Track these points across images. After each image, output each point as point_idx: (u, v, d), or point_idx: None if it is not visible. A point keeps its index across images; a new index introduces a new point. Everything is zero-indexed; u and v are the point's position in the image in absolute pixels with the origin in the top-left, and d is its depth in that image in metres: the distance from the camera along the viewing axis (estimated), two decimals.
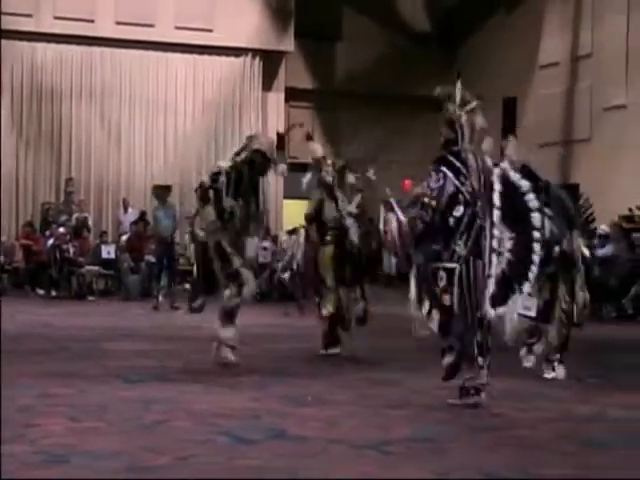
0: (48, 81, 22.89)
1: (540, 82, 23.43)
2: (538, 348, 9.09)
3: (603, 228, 17.78)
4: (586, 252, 9.16)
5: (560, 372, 8.84)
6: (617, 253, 17.65)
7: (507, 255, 7.12)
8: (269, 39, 24.06)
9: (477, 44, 25.15)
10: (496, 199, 7.10)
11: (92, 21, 22.69)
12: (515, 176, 7.31)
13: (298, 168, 11.84)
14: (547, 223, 8.00)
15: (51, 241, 20.19)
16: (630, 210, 18.96)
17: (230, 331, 9.01)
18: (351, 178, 10.90)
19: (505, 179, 7.23)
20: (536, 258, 7.13)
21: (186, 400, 7.13)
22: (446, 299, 7.02)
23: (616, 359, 11.03)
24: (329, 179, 10.62)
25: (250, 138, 9.43)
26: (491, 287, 7.08)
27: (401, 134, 24.66)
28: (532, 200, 7.20)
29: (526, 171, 8.43)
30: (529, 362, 9.25)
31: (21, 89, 22.66)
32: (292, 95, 24.80)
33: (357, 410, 6.93)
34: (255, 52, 24.16)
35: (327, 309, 10.34)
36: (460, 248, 7.01)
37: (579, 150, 22.24)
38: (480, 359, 7.07)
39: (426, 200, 7.02)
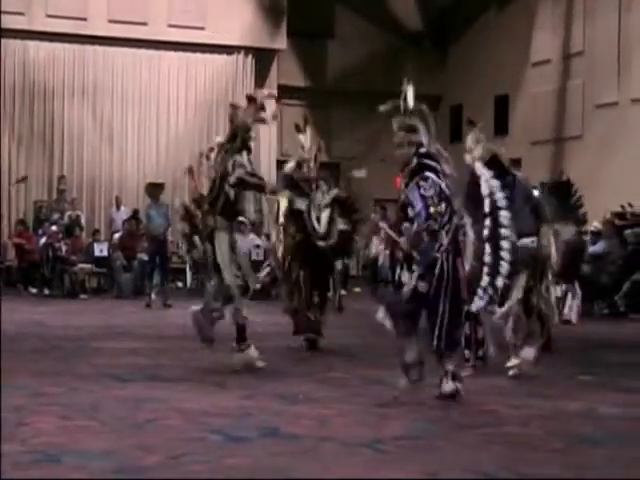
0: (40, 79, 22.85)
1: (532, 80, 23.46)
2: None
3: (595, 225, 17.80)
4: (553, 250, 8.98)
5: (527, 354, 8.65)
6: (609, 250, 17.66)
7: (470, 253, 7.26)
8: (261, 37, 24.06)
9: (469, 42, 25.17)
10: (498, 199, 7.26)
11: (84, 19, 22.66)
12: (485, 174, 7.41)
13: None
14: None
15: (43, 239, 20.17)
16: (622, 207, 18.97)
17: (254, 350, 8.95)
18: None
19: (476, 176, 7.36)
20: (505, 254, 7.23)
21: (178, 398, 7.14)
22: (422, 286, 7.07)
23: (608, 357, 11.03)
24: (312, 176, 10.85)
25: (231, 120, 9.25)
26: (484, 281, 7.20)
27: (393, 132, 24.61)
28: (500, 200, 7.30)
29: (496, 162, 8.51)
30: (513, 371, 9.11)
31: (13, 87, 22.62)
32: (284, 93, 24.78)
33: (349, 408, 6.94)
34: (247, 50, 24.15)
35: (288, 304, 10.83)
36: (442, 237, 7.10)
37: (571, 147, 22.28)
38: (467, 352, 7.15)
39: (432, 210, 7.06)
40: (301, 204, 10.85)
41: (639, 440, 6.14)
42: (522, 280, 8.64)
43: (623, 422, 6.73)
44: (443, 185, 7.15)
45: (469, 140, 8.45)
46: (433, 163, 7.23)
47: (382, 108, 7.41)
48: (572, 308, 15.96)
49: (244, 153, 8.87)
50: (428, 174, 7.14)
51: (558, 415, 6.91)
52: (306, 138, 11.30)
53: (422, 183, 7.12)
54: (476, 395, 7.67)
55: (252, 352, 8.81)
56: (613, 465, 5.36)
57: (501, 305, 8.57)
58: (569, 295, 16.02)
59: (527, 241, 8.58)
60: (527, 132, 23.20)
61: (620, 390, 8.21)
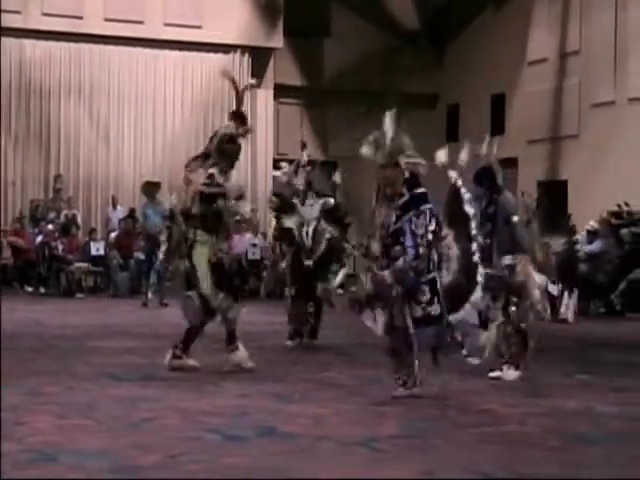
0: (36, 78, 22.81)
1: (528, 79, 23.45)
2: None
3: (591, 224, 17.83)
4: (537, 278, 8.89)
5: (508, 374, 8.55)
6: (605, 249, 17.69)
7: (455, 266, 7.33)
8: (258, 36, 24.03)
9: (466, 41, 25.16)
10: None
11: (81, 18, 22.61)
12: (468, 196, 7.49)
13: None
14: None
15: (40, 238, 20.16)
16: (618, 206, 18.99)
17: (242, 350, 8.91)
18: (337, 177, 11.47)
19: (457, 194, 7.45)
20: (480, 272, 7.35)
21: (174, 398, 7.13)
22: (435, 309, 7.17)
23: (604, 356, 11.05)
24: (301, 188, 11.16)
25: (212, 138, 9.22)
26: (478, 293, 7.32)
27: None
28: (473, 229, 7.40)
29: (486, 175, 8.52)
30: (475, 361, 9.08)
31: (9, 86, 22.57)
32: (281, 92, 24.77)
33: (345, 407, 6.94)
34: (244, 49, 24.12)
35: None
36: (434, 256, 7.23)
37: (567, 146, 22.29)
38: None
39: (422, 250, 7.15)
40: (290, 222, 11.01)
41: (636, 439, 6.15)
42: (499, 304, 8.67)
43: (620, 421, 6.73)
44: (430, 206, 7.27)
45: (442, 155, 8.28)
46: (422, 189, 7.31)
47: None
48: (569, 307, 16.00)
49: (221, 166, 8.78)
50: (424, 207, 7.22)
51: (555, 414, 6.91)
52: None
53: (415, 220, 7.19)
54: (473, 394, 7.69)
55: (240, 353, 8.78)
56: (610, 464, 5.36)
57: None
58: (565, 294, 16.06)
59: (508, 258, 8.60)
60: (523, 131, 23.19)
61: (617, 389, 8.22)
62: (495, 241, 8.51)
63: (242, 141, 9.03)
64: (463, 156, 7.94)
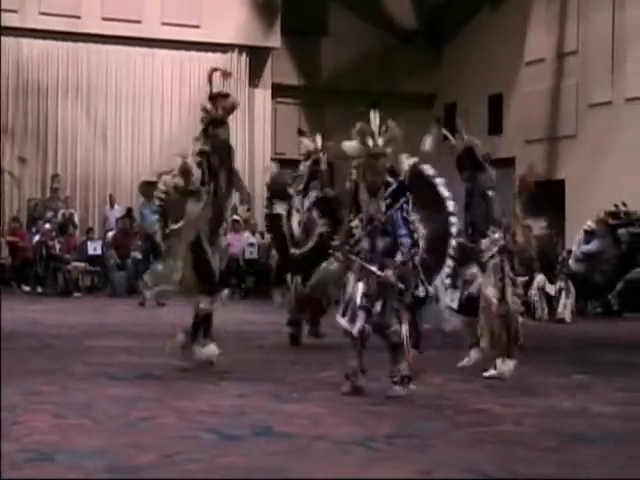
0: (34, 77, 22.79)
1: (526, 79, 23.46)
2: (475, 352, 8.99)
3: (589, 224, 17.86)
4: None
5: (502, 368, 8.52)
6: (603, 249, 17.72)
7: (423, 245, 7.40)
8: (255, 35, 24.03)
9: (463, 41, 25.17)
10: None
11: (78, 17, 22.60)
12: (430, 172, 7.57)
13: (285, 164, 11.99)
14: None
15: (37, 237, 20.15)
16: (616, 206, 19.01)
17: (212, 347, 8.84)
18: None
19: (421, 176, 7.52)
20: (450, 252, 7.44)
21: (172, 397, 7.12)
22: (421, 290, 7.25)
23: (602, 355, 11.05)
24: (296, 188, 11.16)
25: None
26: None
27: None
28: (451, 211, 7.46)
29: (468, 155, 8.57)
30: (463, 362, 9.07)
31: (7, 85, 22.56)
32: (279, 91, 24.77)
33: (342, 407, 6.94)
34: (241, 48, 24.11)
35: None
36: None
37: (565, 146, 22.30)
38: None
39: (416, 236, 7.27)
40: (281, 209, 10.99)
41: (633, 439, 6.15)
42: None
43: (617, 421, 6.73)
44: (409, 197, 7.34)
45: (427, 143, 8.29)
46: (402, 177, 7.41)
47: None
48: (566, 307, 16.02)
49: (206, 152, 8.75)
50: (402, 200, 7.28)
51: (552, 414, 6.91)
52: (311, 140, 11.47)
53: (406, 206, 7.21)
54: (470, 394, 7.69)
55: (207, 349, 8.72)
56: (607, 464, 5.37)
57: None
58: (563, 294, 16.08)
59: (485, 242, 8.64)
60: (521, 131, 23.21)
61: (614, 389, 8.22)
62: (472, 216, 8.58)
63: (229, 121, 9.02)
64: (427, 144, 8.00)
